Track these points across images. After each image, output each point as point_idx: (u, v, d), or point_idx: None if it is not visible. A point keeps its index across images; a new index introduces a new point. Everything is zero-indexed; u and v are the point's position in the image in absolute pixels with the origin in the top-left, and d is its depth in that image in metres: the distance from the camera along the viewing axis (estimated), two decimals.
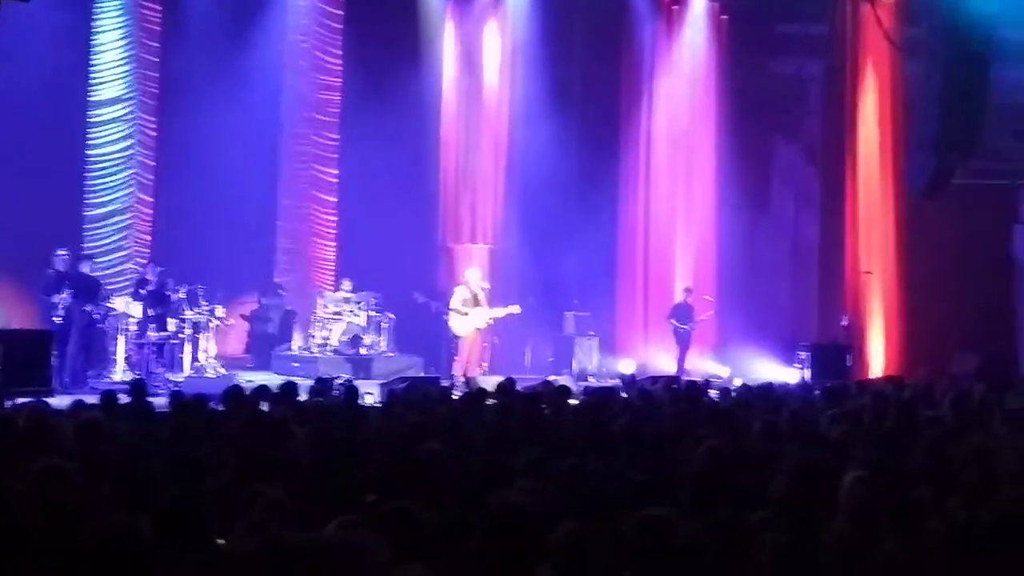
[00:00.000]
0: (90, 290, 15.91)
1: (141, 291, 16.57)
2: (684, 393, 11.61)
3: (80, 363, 15.71)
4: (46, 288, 15.53)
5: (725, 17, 20.84)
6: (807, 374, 17.95)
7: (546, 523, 4.54)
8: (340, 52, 20.49)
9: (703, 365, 19.34)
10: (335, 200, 20.77)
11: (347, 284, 19.25)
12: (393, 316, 19.20)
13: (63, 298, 15.30)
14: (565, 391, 11.54)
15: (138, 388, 10.81)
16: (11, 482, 5.04)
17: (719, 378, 18.02)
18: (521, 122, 20.39)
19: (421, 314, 18.77)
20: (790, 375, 18.31)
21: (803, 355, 18.53)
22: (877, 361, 19.52)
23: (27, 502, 4.61)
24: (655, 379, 14.39)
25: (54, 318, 15.27)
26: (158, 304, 16.48)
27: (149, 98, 19.13)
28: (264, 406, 9.67)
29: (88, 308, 15.72)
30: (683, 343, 19.29)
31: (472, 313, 17.25)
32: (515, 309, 17.65)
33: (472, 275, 17.98)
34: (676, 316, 19.38)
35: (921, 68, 19.10)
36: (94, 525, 4.40)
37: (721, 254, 20.65)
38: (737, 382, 16.18)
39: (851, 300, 19.92)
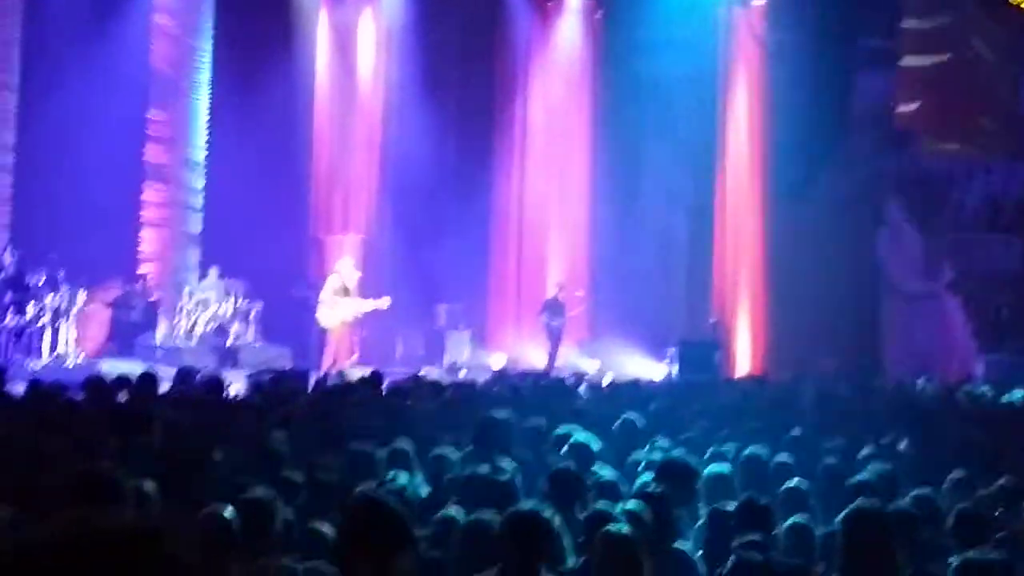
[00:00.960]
0: None
1: (2, 275, 16.05)
2: (551, 388, 11.65)
3: None
4: None
5: (600, 14, 20.99)
6: (675, 370, 18.18)
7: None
8: (211, 35, 20.05)
9: (574, 360, 19.45)
10: (203, 186, 20.35)
11: (213, 272, 18.88)
12: (261, 306, 18.89)
13: None
14: (435, 386, 11.47)
15: None
16: None
17: (588, 373, 18.14)
18: (396, 112, 20.26)
19: (290, 305, 18.52)
20: (659, 371, 18.54)
21: (671, 351, 18.77)
22: (743, 360, 19.89)
23: None
24: (524, 374, 14.42)
25: None
26: (16, 289, 15.97)
27: (9, 74, 18.48)
28: (123, 396, 9.41)
29: None
30: (555, 338, 19.38)
31: (340, 304, 17.06)
32: (383, 303, 17.48)
33: (344, 265, 17.78)
34: (548, 311, 19.45)
35: (788, 72, 19.56)
36: None
37: (593, 250, 20.82)
38: (608, 377, 16.30)
39: (719, 299, 20.27)
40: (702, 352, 18.74)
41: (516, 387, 12.04)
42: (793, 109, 19.31)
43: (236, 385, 12.51)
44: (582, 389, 12.67)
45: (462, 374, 17.77)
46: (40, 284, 16.31)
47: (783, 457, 7.41)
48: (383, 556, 4.14)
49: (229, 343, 18.31)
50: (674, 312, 20.70)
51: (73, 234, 17.61)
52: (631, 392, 11.96)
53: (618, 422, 8.51)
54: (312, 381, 12.56)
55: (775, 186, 20.17)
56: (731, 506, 5.93)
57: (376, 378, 11.30)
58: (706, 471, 6.78)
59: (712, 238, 20.49)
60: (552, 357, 19.18)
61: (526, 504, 5.00)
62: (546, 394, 11.27)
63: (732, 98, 20.59)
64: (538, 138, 21.11)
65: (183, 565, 2.14)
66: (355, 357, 18.33)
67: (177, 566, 2.09)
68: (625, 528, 4.80)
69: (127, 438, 6.61)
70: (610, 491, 6.25)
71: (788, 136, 19.53)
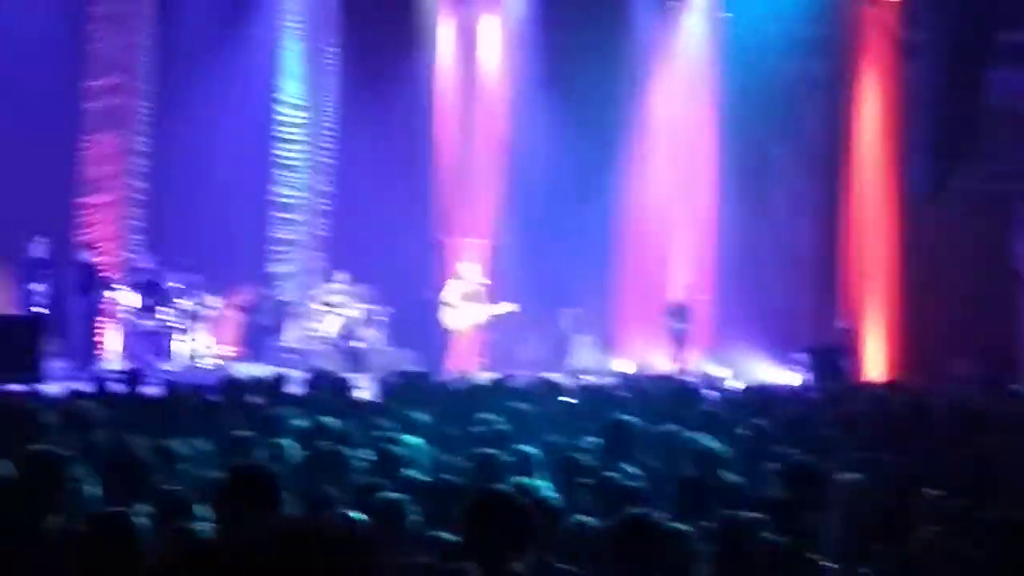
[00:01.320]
0: (90, 279, 15.78)
1: (136, 281, 16.48)
2: (680, 393, 11.53)
3: (80, 352, 15.57)
4: (20, 275, 15.40)
5: (724, 16, 20.77)
6: (804, 377, 17.89)
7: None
8: (339, 39, 20.39)
9: (701, 365, 19.26)
10: (331, 191, 20.70)
11: (342, 276, 19.16)
12: (388, 309, 19.12)
13: (42, 286, 15.19)
14: (555, 388, 11.45)
15: (132, 378, 10.74)
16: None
17: (717, 378, 17.95)
18: (518, 114, 20.32)
19: (417, 308, 18.71)
20: (787, 377, 18.26)
21: (800, 358, 18.46)
22: (874, 365, 19.47)
23: (20, 488, 4.57)
24: (652, 378, 14.30)
25: (32, 307, 15.13)
26: (153, 293, 16.40)
27: (142, 82, 19.01)
28: (258, 399, 9.62)
29: (88, 297, 15.62)
30: (680, 343, 19.19)
31: (467, 308, 17.16)
32: (511, 307, 17.55)
33: (468, 270, 17.88)
34: (673, 315, 19.28)
35: (921, 70, 19.09)
36: (86, 513, 4.37)
37: (719, 253, 20.58)
38: (735, 383, 16.11)
39: (848, 303, 19.87)
40: (831, 357, 18.40)
41: (643, 391, 11.97)
42: (927, 107, 18.85)
43: (363, 388, 12.68)
44: (708, 394, 12.54)
45: (586, 379, 17.72)
46: (175, 288, 16.72)
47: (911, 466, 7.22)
48: (506, 555, 4.13)
49: (357, 346, 18.56)
50: (802, 317, 20.34)
51: (206, 238, 18.04)
52: (759, 398, 11.79)
53: (753, 425, 8.39)
54: (438, 384, 12.66)
55: (908, 186, 19.70)
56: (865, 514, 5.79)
57: (502, 382, 11.34)
58: (838, 478, 6.63)
59: (840, 241, 20.08)
60: (678, 361, 19.00)
61: (647, 510, 4.90)
62: (673, 399, 11.16)
63: (862, 97, 20.17)
64: (661, 139, 20.94)
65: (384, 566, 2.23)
66: (480, 361, 18.42)
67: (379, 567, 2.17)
68: (768, 536, 4.70)
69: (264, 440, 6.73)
70: (737, 497, 6.16)
71: (921, 135, 19.07)
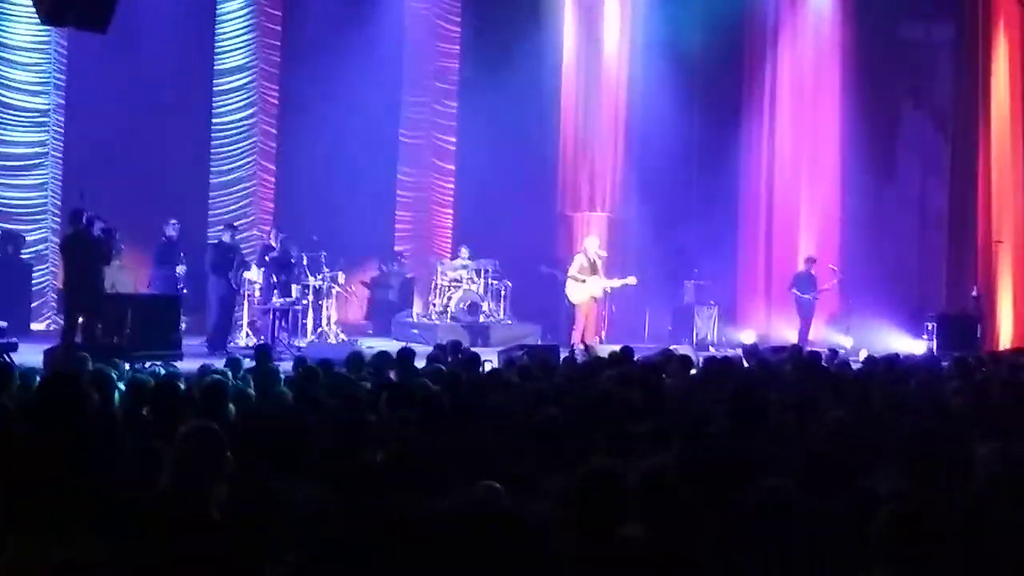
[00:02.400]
0: (223, 258, 16.14)
1: (266, 258, 16.81)
2: (806, 364, 11.41)
3: (219, 331, 15.95)
4: (158, 257, 15.84)
5: None
6: (934, 345, 17.53)
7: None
8: (459, 20, 20.55)
9: (827, 336, 19.00)
10: (453, 168, 20.89)
11: (465, 252, 19.34)
12: (511, 284, 19.25)
13: (179, 267, 15.61)
14: (686, 361, 11.42)
15: (263, 353, 10.97)
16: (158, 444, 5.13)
17: (843, 349, 17.69)
18: (641, 91, 20.23)
19: (539, 282, 18.83)
20: (916, 346, 17.91)
21: (930, 326, 18.10)
22: (1007, 333, 18.99)
23: (178, 464, 4.67)
24: (777, 349, 14.15)
25: (169, 287, 15.54)
26: (282, 271, 16.71)
27: (271, 67, 19.38)
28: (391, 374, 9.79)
29: (222, 275, 15.99)
30: (806, 313, 18.94)
31: (589, 281, 17.17)
32: (631, 280, 17.50)
33: (590, 243, 17.86)
34: (799, 286, 19.02)
35: None
36: (232, 487, 4.48)
37: (846, 223, 20.26)
38: (862, 353, 15.85)
39: (982, 270, 19.37)
40: (963, 326, 18.00)
41: (769, 362, 11.87)
42: None
43: (489, 362, 12.79)
44: (837, 364, 12.37)
45: (711, 351, 17.63)
46: (304, 265, 17.03)
47: None
48: (607, 526, 4.17)
49: (481, 320, 18.73)
50: (933, 285, 19.94)
51: (333, 216, 18.38)
52: (889, 367, 11.60)
53: (883, 395, 8.28)
54: (562, 357, 12.73)
55: None
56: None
57: (627, 353, 11.34)
58: (975, 448, 6.51)
59: (974, 207, 19.58)
60: (804, 332, 18.77)
61: (776, 483, 4.85)
62: (798, 369, 11.06)
63: (992, 58, 19.60)
64: (786, 108, 20.66)
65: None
66: (603, 334, 18.43)
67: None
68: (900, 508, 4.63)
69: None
70: (867, 469, 6.09)
71: None
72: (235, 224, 17.22)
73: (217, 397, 7.43)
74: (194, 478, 4.43)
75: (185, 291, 15.61)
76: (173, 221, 15.94)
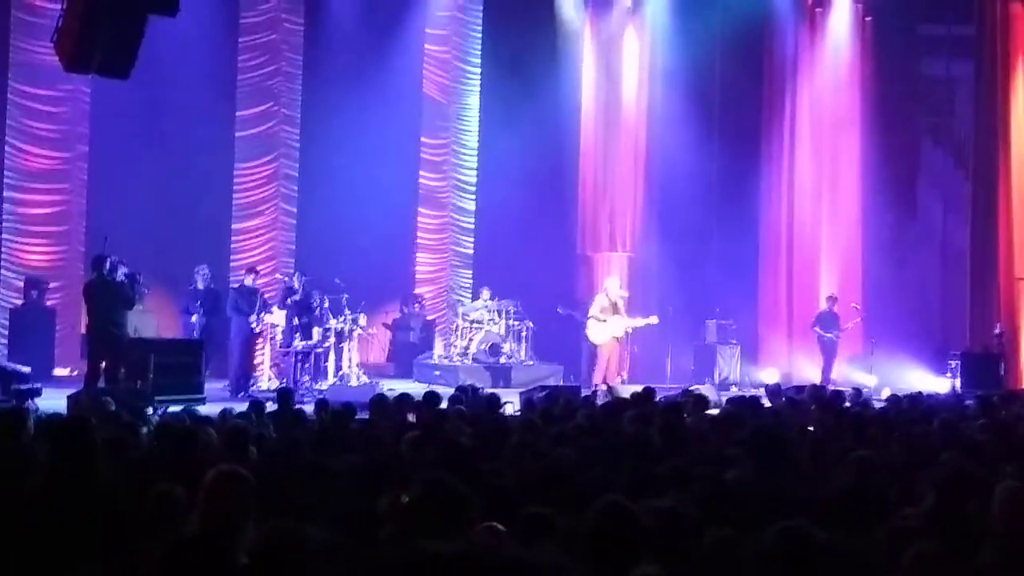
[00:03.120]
0: (245, 302, 16.23)
1: (288, 300, 16.87)
2: (830, 403, 11.37)
3: (237, 373, 16.04)
4: (183, 303, 16.02)
5: (869, 19, 20.42)
6: (958, 383, 17.45)
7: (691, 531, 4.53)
8: (479, 61, 20.66)
9: (850, 374, 18.92)
10: (473, 209, 20.95)
11: (486, 293, 19.37)
12: (532, 325, 19.26)
13: (201, 311, 15.75)
14: (707, 401, 11.40)
15: (285, 396, 11.01)
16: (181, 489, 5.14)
17: (866, 387, 17.64)
18: (660, 128, 20.29)
19: (560, 323, 18.82)
20: (940, 384, 17.82)
21: (954, 364, 18.02)
22: None
23: (205, 509, 4.69)
24: (799, 388, 14.11)
25: (193, 332, 15.69)
26: (304, 313, 16.75)
27: (292, 110, 19.50)
28: (410, 416, 9.79)
29: (244, 319, 16.08)
30: (828, 352, 18.88)
31: (610, 321, 17.17)
32: (653, 320, 17.50)
33: (611, 283, 17.89)
34: (821, 324, 18.98)
35: None
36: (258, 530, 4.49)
37: (867, 260, 20.22)
38: (885, 392, 15.79)
39: (1004, 307, 19.29)
40: (986, 364, 17.92)
41: (791, 402, 11.84)
42: None
43: (511, 403, 12.79)
44: (860, 403, 12.31)
45: (733, 390, 17.57)
46: (325, 308, 17.07)
47: None
48: (620, 566, 4.14)
49: (502, 361, 18.72)
50: (955, 323, 19.86)
51: (354, 259, 18.42)
52: (913, 406, 11.56)
53: (907, 434, 8.24)
54: (583, 398, 12.70)
55: None
56: None
57: (649, 394, 11.32)
58: (999, 488, 6.46)
59: (995, 244, 19.51)
60: (827, 371, 18.70)
61: (797, 523, 4.81)
62: (821, 408, 11.02)
63: (1013, 97, 19.60)
64: (807, 145, 20.69)
65: None
66: (625, 375, 18.40)
67: None
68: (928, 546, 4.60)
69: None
70: (893, 507, 6.06)
71: None
72: (257, 268, 17.29)
73: (239, 441, 7.46)
74: (222, 522, 4.44)
75: (207, 335, 15.70)
76: (201, 268, 16.07)
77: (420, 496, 4.58)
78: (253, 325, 16.20)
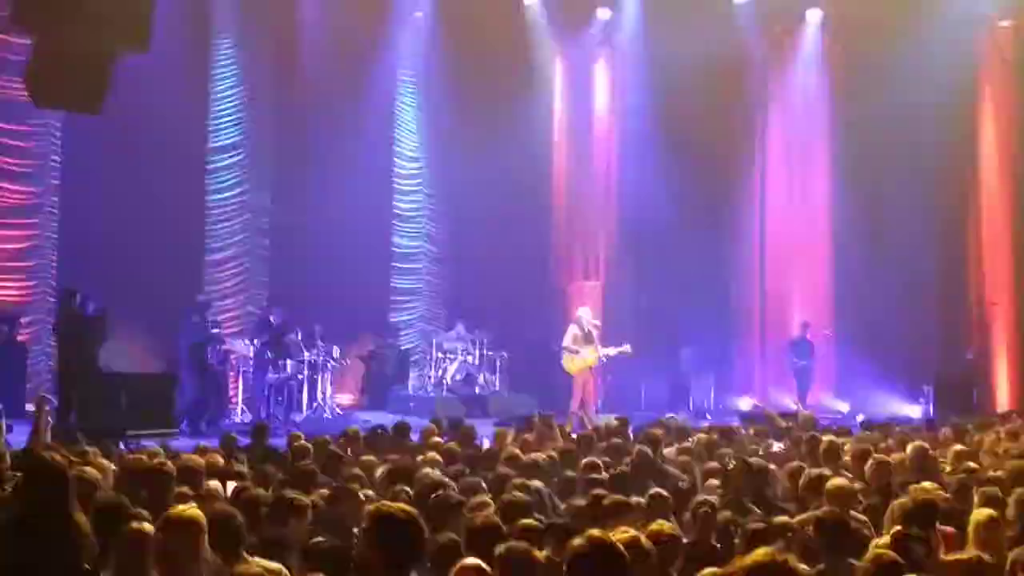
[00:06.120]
0: (217, 334, 16.15)
1: (261, 333, 16.80)
2: (804, 430, 11.39)
3: (210, 406, 15.89)
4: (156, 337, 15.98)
5: (838, 47, 20.57)
6: (930, 409, 17.53)
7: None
8: (451, 89, 20.65)
9: (824, 401, 18.99)
10: (447, 240, 20.95)
11: (460, 326, 19.38)
12: (507, 355, 19.24)
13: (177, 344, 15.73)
14: (682, 430, 11.41)
15: (259, 430, 10.94)
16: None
17: (840, 414, 17.72)
18: (631, 156, 20.37)
19: (535, 353, 18.79)
20: (913, 411, 17.90)
21: (927, 389, 18.10)
22: (1003, 394, 18.97)
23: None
24: (775, 416, 14.14)
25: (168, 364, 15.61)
26: (277, 346, 16.70)
27: (264, 140, 19.43)
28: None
29: (217, 352, 16.00)
30: (803, 379, 18.95)
31: (583, 351, 17.17)
32: (627, 349, 17.48)
33: (583, 313, 17.88)
34: (794, 352, 19.05)
35: None
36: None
37: (839, 287, 20.29)
38: (859, 418, 15.85)
39: (976, 332, 19.40)
40: (959, 389, 18.00)
41: (765, 430, 11.87)
42: None
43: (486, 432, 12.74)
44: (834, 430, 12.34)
45: (708, 418, 17.59)
46: (299, 340, 17.02)
47: None
48: None
49: (477, 392, 18.69)
50: (928, 348, 19.92)
51: (328, 290, 18.36)
52: (882, 433, 11.60)
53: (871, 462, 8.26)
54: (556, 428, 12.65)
55: None
56: None
57: (623, 424, 11.32)
58: (973, 515, 6.48)
59: (965, 267, 19.64)
60: (802, 398, 18.75)
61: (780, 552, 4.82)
62: (796, 437, 11.04)
63: (981, 124, 19.78)
64: (777, 173, 20.82)
65: None
66: (599, 403, 18.35)
67: None
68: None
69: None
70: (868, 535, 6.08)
71: None
72: (210, 301, 17.13)
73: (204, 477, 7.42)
74: (173, 563, 4.50)
75: (181, 368, 15.62)
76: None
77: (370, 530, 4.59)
78: (222, 357, 16.13)
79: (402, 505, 4.59)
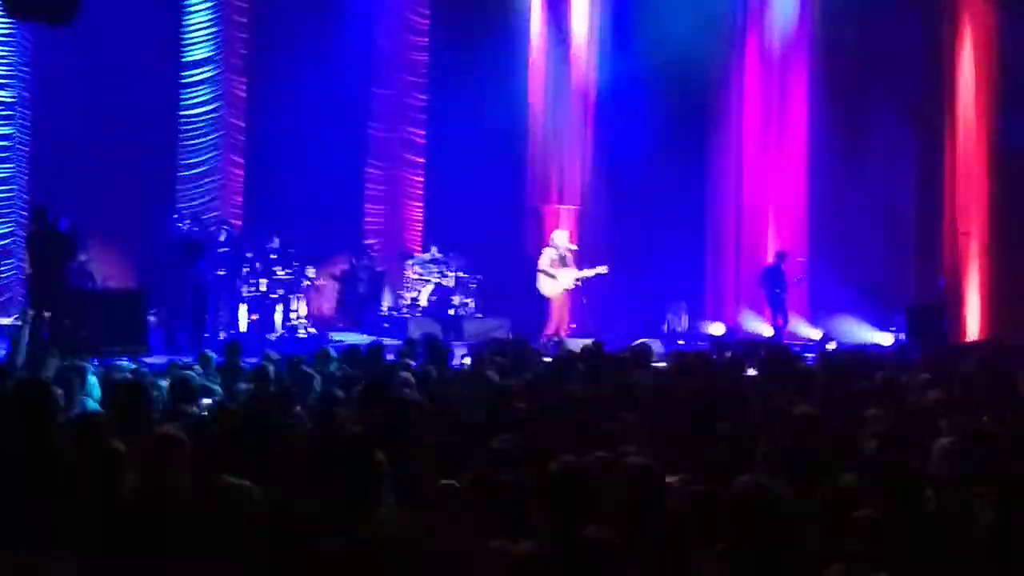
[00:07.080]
0: (192, 251, 16.00)
1: (235, 251, 16.71)
2: (774, 357, 11.46)
3: (184, 324, 15.80)
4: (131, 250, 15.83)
5: None
6: (902, 337, 17.66)
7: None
8: (428, 12, 20.48)
9: (796, 328, 19.11)
10: (423, 161, 20.85)
11: (434, 248, 19.36)
12: (481, 277, 19.24)
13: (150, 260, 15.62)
14: (656, 354, 11.46)
15: (232, 348, 10.94)
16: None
17: (812, 341, 17.83)
18: (610, 82, 20.23)
19: (509, 275, 18.81)
20: (885, 338, 18.04)
21: (898, 318, 18.22)
22: (974, 324, 19.12)
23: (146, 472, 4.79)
24: (745, 342, 14.24)
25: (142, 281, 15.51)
26: (251, 264, 16.66)
27: (238, 59, 19.24)
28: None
29: (191, 269, 15.88)
30: (776, 307, 19.03)
31: (559, 274, 17.19)
32: (603, 269, 17.51)
33: (559, 236, 17.88)
34: (769, 279, 19.11)
35: (1019, 29, 18.59)
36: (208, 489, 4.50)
37: (814, 216, 20.32)
38: (831, 346, 15.97)
39: (948, 261, 19.49)
40: (929, 317, 18.12)
41: (737, 355, 11.93)
42: (1022, 67, 18.35)
43: (466, 356, 12.77)
44: (808, 357, 12.46)
45: (681, 343, 17.69)
46: (273, 259, 16.96)
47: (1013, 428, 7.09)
48: (572, 523, 4.16)
49: (451, 314, 18.71)
50: (902, 278, 20.02)
51: (302, 210, 18.30)
52: (856, 360, 11.67)
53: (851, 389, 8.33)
54: (532, 351, 12.71)
55: (1003, 143, 19.21)
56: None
57: (598, 347, 11.35)
58: (936, 443, 6.56)
59: (940, 199, 19.69)
60: (775, 325, 18.85)
61: (753, 478, 4.85)
62: (768, 362, 11.11)
63: (960, 59, 19.70)
64: (755, 101, 20.72)
65: None
66: (574, 327, 18.40)
67: None
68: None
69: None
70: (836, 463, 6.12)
71: (1017, 95, 18.59)
72: (202, 217, 17.09)
73: (184, 394, 7.43)
74: (160, 483, 4.53)
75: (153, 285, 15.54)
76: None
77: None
78: (196, 274, 16.03)
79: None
